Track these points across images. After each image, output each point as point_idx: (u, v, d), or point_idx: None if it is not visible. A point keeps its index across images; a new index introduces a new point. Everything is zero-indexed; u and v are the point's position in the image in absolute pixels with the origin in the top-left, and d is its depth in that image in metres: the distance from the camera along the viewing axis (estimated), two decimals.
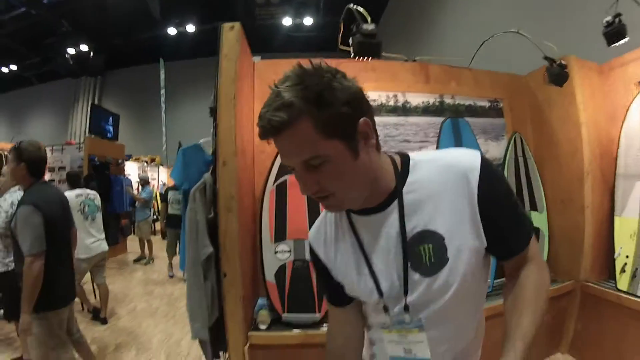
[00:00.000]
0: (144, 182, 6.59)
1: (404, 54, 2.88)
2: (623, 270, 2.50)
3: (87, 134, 7.22)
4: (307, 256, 2.16)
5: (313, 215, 2.17)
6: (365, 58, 2.10)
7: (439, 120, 2.70)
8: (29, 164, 2.00)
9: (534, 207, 2.87)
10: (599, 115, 2.81)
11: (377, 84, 2.61)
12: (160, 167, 12.07)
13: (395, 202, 0.78)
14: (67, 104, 14.09)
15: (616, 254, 2.56)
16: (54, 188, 2.34)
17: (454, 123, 2.70)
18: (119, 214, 6.66)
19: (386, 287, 0.83)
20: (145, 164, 10.92)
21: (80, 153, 6.64)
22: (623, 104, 2.68)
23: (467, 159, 0.77)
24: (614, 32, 2.50)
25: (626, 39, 2.48)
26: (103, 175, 6.38)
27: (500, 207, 0.77)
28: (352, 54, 2.05)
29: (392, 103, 2.62)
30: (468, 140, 2.71)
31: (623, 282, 2.48)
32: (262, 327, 2.10)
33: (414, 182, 0.78)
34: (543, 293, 0.79)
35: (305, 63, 0.69)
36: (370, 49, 2.07)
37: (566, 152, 2.82)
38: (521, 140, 2.95)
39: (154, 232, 6.95)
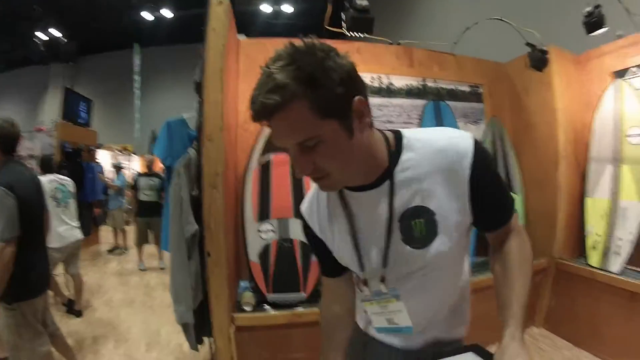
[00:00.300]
0: (118, 168, 6.36)
1: (389, 38, 2.90)
2: (594, 248, 2.62)
3: (59, 119, 6.88)
4: (292, 235, 2.17)
5: (297, 194, 2.17)
6: (357, 34, 2.09)
7: (421, 102, 2.76)
8: (2, 140, 1.86)
9: (510, 189, 2.95)
10: (574, 103, 2.91)
11: (362, 65, 2.61)
12: (133, 156, 11.68)
13: (387, 181, 0.79)
14: (37, 91, 13.39)
15: (587, 232, 2.67)
16: (28, 168, 2.17)
17: (435, 106, 2.76)
18: (92, 203, 6.41)
19: (367, 262, 0.86)
20: (117, 152, 10.55)
21: (52, 139, 6.34)
22: (597, 93, 2.79)
23: (461, 143, 0.77)
24: (594, 21, 2.61)
25: (605, 29, 2.59)
26: (75, 163, 6.13)
27: (488, 188, 0.80)
28: (345, 29, 2.04)
29: (376, 84, 2.65)
30: (449, 123, 2.77)
31: (594, 258, 2.60)
32: (247, 308, 2.07)
33: (407, 161, 0.79)
34: (528, 259, 0.84)
35: (297, 42, 0.66)
36: (363, 24, 2.07)
37: (542, 136, 2.93)
38: (499, 125, 3.03)
39: (128, 222, 6.70)
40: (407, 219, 0.80)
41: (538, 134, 2.96)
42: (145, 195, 5.04)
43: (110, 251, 6.17)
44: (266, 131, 2.23)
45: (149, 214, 5.03)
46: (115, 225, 6.07)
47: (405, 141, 0.80)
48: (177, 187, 1.69)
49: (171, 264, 1.76)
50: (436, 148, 0.78)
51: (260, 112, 0.64)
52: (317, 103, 0.63)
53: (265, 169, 2.13)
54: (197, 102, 1.81)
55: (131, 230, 6.08)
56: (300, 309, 2.12)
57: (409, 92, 2.74)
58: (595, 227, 2.65)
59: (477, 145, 0.77)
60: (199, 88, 1.80)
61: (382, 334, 0.97)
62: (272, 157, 2.13)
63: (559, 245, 2.79)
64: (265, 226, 2.12)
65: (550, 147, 2.85)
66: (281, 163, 2.13)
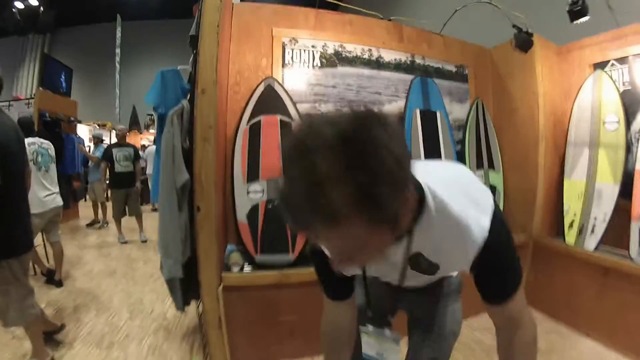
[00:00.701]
0: (98, 140, 6.18)
1: (380, 13, 2.93)
2: (571, 226, 2.73)
3: (37, 88, 6.60)
4: None
5: None
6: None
7: (409, 77, 2.80)
8: None
9: (491, 166, 3.08)
10: (555, 90, 3.01)
11: (354, 37, 2.65)
12: (113, 132, 11.32)
13: (406, 237, 0.82)
14: (14, 63, 12.81)
15: (565, 211, 2.78)
16: (10, 119, 2.05)
17: (423, 82, 2.81)
18: (71, 176, 6.24)
19: (375, 307, 0.98)
20: (97, 126, 10.23)
21: (30, 109, 6.10)
22: (577, 82, 2.88)
23: (478, 228, 0.77)
24: (577, 10, 2.69)
25: (587, 17, 2.68)
26: (54, 133, 5.91)
27: (492, 267, 0.81)
28: None
29: (366, 56, 2.67)
30: (435, 99, 2.84)
31: (571, 237, 2.71)
32: (235, 269, 2.07)
33: (426, 222, 0.78)
34: (533, 350, 0.88)
35: (343, 122, 0.54)
36: None
37: (523, 119, 3.02)
38: (482, 106, 3.12)
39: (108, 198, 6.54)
40: (414, 258, 0.87)
41: (520, 117, 3.06)
42: (121, 166, 4.95)
43: (90, 225, 6.04)
44: (256, 94, 2.23)
45: (125, 184, 4.97)
46: (96, 198, 5.93)
47: (428, 200, 0.77)
48: (169, 135, 1.67)
49: (160, 216, 1.75)
50: (455, 220, 0.77)
51: (302, 228, 0.57)
52: (372, 219, 0.55)
53: (255, 130, 2.13)
54: (193, 55, 1.78)
55: (110, 203, 5.93)
56: (288, 270, 2.14)
57: (398, 67, 2.78)
58: (572, 206, 2.76)
59: (494, 225, 0.77)
60: (193, 42, 1.78)
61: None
62: (262, 118, 2.13)
63: (538, 223, 2.91)
64: (254, 187, 2.12)
65: (531, 130, 2.95)
66: (271, 124, 2.13)
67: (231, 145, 2.14)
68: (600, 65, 2.74)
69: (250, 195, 2.12)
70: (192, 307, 2.91)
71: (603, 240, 2.54)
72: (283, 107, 2.21)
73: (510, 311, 0.85)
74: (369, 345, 1.04)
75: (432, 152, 2.72)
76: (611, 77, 2.62)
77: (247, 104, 2.17)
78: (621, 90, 2.58)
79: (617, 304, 2.39)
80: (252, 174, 2.13)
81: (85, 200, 7.05)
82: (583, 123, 2.78)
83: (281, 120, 2.14)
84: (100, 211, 6.07)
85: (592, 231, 2.58)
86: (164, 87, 1.96)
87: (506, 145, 3.14)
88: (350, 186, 0.51)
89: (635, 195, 2.30)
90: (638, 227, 2.25)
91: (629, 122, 2.49)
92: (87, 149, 6.75)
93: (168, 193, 1.70)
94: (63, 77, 7.05)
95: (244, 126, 2.13)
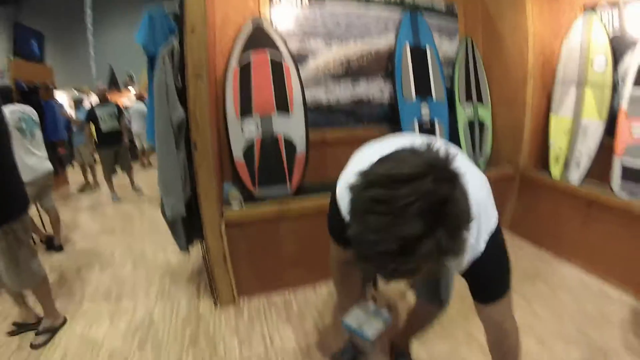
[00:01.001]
0: (79, 102, 6.00)
1: None
2: (556, 160, 2.82)
3: (11, 57, 6.30)
4: (276, 131, 2.16)
5: (279, 92, 2.16)
6: None
7: (398, 14, 2.78)
8: None
9: (479, 99, 3.15)
10: (545, 30, 2.99)
11: None
12: (92, 95, 10.89)
13: None
14: None
15: (551, 146, 2.87)
16: None
17: (412, 17, 2.78)
18: (55, 142, 6.09)
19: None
20: (75, 92, 9.85)
21: (4, 80, 5.84)
22: (567, 23, 2.86)
23: (474, 251, 0.86)
24: None
25: None
26: (33, 102, 5.71)
27: (478, 278, 0.92)
28: None
29: None
30: (425, 35, 2.82)
31: (556, 170, 2.81)
32: (235, 205, 2.10)
33: None
34: (516, 353, 1.02)
35: (419, 174, 0.58)
36: None
37: (513, 58, 3.04)
38: (472, 43, 3.12)
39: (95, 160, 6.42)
40: None
41: (509, 55, 3.07)
42: (107, 125, 4.88)
43: (81, 190, 5.98)
44: (244, 34, 2.18)
45: (112, 142, 4.93)
46: (83, 161, 5.84)
47: None
48: (162, 74, 1.65)
49: (158, 155, 1.75)
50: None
51: (384, 272, 0.64)
52: (440, 264, 0.63)
53: (245, 69, 2.10)
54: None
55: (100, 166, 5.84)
56: (287, 202, 2.17)
57: (387, 2, 2.75)
58: (558, 141, 2.83)
59: (488, 247, 0.86)
60: None
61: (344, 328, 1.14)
62: (253, 58, 2.09)
63: (525, 157, 3.02)
64: (248, 123, 2.11)
65: (520, 68, 2.98)
66: (261, 63, 2.11)
67: (222, 85, 2.11)
68: (591, 7, 2.73)
69: (245, 132, 2.11)
70: (194, 252, 3.00)
71: (587, 175, 2.64)
72: (272, 44, 2.17)
73: (495, 314, 0.96)
74: (353, 316, 1.13)
75: (423, 87, 2.74)
76: (601, 19, 2.61)
77: (235, 43, 2.13)
78: (610, 32, 2.58)
79: (599, 233, 2.53)
80: (245, 110, 2.12)
81: (73, 166, 6.94)
82: (571, 63, 2.80)
83: (272, 60, 2.11)
84: (89, 174, 6.00)
85: (577, 165, 2.68)
86: (151, 27, 1.89)
87: (495, 83, 3.18)
88: (434, 243, 0.58)
89: (619, 132, 2.37)
90: (620, 163, 2.36)
91: (616, 64, 2.52)
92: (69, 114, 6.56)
93: (165, 132, 1.69)
94: (35, 42, 6.71)
95: (234, 66, 2.09)
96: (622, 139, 2.35)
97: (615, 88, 2.49)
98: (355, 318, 1.12)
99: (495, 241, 0.88)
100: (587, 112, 2.66)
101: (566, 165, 2.77)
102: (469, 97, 3.07)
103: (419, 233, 0.56)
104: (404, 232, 0.56)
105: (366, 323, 1.10)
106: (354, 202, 0.63)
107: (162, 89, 1.66)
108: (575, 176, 2.69)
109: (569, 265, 2.73)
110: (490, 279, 0.93)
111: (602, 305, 2.28)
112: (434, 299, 1.40)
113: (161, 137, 1.70)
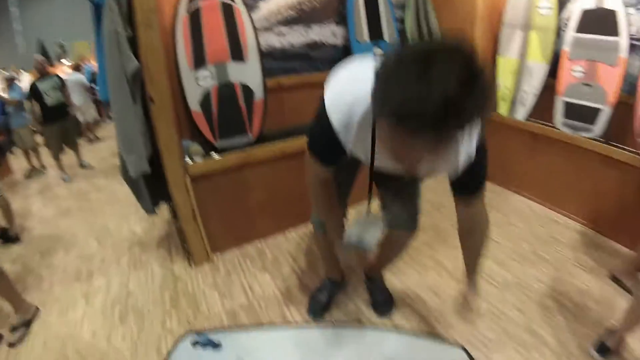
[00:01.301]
0: (10, 80, 5.47)
1: None
2: (503, 99, 2.98)
3: None
4: (232, 79, 2.11)
5: (232, 38, 2.10)
6: None
7: None
8: None
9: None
10: None
11: None
12: (22, 72, 9.92)
13: None
14: None
15: (498, 85, 3.02)
16: None
17: None
18: None
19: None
20: (3, 71, 8.91)
21: None
22: None
23: (470, 153, 0.97)
24: None
25: None
26: None
27: (468, 175, 1.03)
28: None
29: None
30: None
31: (503, 108, 2.98)
32: (197, 159, 2.07)
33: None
34: (487, 238, 1.24)
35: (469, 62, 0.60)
36: None
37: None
38: None
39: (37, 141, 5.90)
40: None
41: None
42: (51, 99, 4.54)
43: (28, 176, 5.56)
44: None
45: (60, 116, 4.62)
46: (25, 145, 5.39)
47: None
48: (109, 22, 1.53)
49: (114, 111, 1.65)
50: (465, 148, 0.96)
51: (432, 134, 0.60)
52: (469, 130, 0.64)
53: (194, 16, 2.00)
54: None
55: (43, 148, 5.45)
56: (251, 149, 2.16)
57: None
58: (505, 81, 2.98)
59: (479, 148, 0.98)
60: None
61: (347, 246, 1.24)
62: (201, 3, 1.99)
63: None
64: (203, 72, 2.04)
65: (469, 10, 3.04)
66: (211, 8, 2.02)
67: (171, 34, 2.00)
68: None
69: (200, 82, 2.04)
70: (159, 218, 2.94)
71: (532, 114, 2.81)
72: None
73: (475, 205, 1.13)
74: (352, 233, 1.20)
75: (375, 30, 2.76)
76: None
77: None
78: None
79: (544, 165, 2.76)
80: (198, 60, 2.04)
81: (13, 153, 6.41)
82: (518, 6, 2.89)
83: (222, 2, 2.01)
84: (33, 158, 5.57)
85: (523, 104, 2.84)
86: None
87: (444, 24, 3.22)
88: (475, 104, 0.60)
89: (561, 73, 2.53)
90: (562, 101, 2.53)
91: (561, 8, 2.63)
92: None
93: (119, 85, 1.59)
94: None
95: (183, 14, 1.98)
96: (564, 80, 2.52)
97: (558, 32, 2.62)
98: (354, 234, 1.20)
99: (483, 142, 1.00)
100: (532, 54, 2.79)
101: (513, 104, 2.93)
102: (420, 39, 3.11)
103: (462, 93, 0.58)
104: (449, 91, 0.57)
105: (365, 234, 1.19)
106: (392, 73, 0.62)
107: (112, 39, 1.55)
108: (521, 114, 2.86)
109: (519, 196, 2.98)
110: (478, 175, 1.07)
111: (551, 229, 2.52)
112: (408, 219, 1.49)
113: (116, 90, 1.60)
